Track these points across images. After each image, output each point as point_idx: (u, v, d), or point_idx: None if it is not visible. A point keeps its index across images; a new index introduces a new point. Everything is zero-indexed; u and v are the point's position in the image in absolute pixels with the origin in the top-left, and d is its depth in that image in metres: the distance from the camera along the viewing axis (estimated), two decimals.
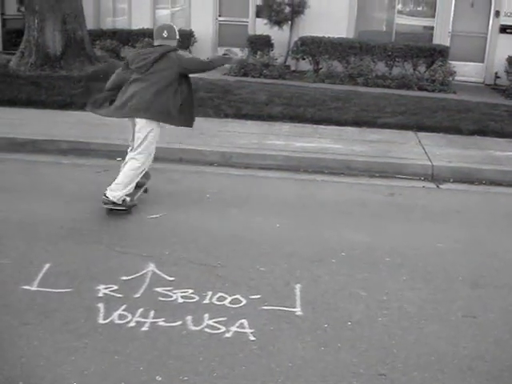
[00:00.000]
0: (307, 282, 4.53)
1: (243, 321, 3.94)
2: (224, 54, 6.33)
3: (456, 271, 4.91)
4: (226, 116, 9.57)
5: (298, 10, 14.99)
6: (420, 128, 9.38)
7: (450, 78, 14.02)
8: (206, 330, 3.83)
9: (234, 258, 4.91)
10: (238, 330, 3.85)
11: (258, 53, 14.85)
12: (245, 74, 13.96)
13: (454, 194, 7.15)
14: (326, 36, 14.72)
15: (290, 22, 15.23)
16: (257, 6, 16.03)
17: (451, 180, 7.51)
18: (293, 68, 15.44)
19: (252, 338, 3.76)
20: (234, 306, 4.13)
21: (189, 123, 6.00)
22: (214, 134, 8.53)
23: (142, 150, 5.73)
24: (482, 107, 11.19)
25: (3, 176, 6.94)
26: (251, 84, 12.31)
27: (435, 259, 5.14)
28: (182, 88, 5.79)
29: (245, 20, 16.87)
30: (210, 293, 4.27)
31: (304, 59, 14.98)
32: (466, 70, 15.42)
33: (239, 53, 6.31)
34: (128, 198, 5.77)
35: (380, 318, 4.10)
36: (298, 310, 4.13)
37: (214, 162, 7.69)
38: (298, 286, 4.46)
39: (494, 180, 7.60)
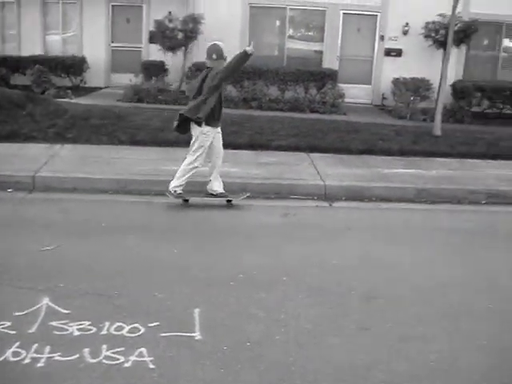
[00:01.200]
0: (206, 306, 4.56)
1: (142, 349, 3.90)
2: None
3: (350, 286, 5.09)
4: (121, 143, 9.46)
5: (191, 35, 15.14)
6: (313, 149, 9.68)
7: (340, 100, 14.62)
8: (105, 361, 3.76)
9: (132, 287, 4.85)
10: (137, 358, 3.80)
11: (153, 78, 14.85)
12: (139, 100, 13.89)
13: (346, 212, 7.42)
14: None
15: (183, 48, 15.35)
16: (150, 31, 16.09)
17: (343, 198, 7.80)
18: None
19: (152, 366, 3.73)
20: (132, 335, 4.08)
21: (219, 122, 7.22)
22: (108, 161, 8.42)
23: (191, 151, 7.09)
24: (371, 127, 11.70)
25: None
26: (146, 110, 12.28)
27: (330, 276, 5.31)
28: (212, 98, 6.90)
29: (138, 46, 16.89)
30: (107, 323, 4.20)
31: None
32: (354, 92, 16.10)
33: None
34: (178, 189, 7.11)
35: (278, 337, 4.18)
36: (197, 335, 4.13)
37: (109, 190, 7.59)
38: (196, 311, 4.46)
39: (383, 197, 7.96)
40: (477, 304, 4.91)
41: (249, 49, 6.80)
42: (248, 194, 7.47)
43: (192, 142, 7.12)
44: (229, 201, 7.37)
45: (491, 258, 6.06)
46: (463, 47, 16.07)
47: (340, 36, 16.48)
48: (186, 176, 7.15)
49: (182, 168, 7.18)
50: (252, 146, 9.60)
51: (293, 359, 3.90)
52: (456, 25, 13.81)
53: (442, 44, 14.66)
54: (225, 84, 7.24)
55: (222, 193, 7.38)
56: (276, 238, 6.30)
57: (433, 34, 15.33)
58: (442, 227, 7.06)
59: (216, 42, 7.23)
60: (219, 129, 7.28)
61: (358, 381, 3.71)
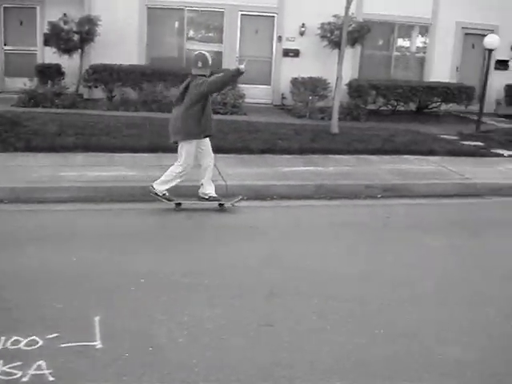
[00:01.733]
0: (107, 313, 4.49)
1: (41, 362, 3.79)
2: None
3: (253, 284, 5.17)
4: (16, 149, 9.10)
5: (87, 37, 14.79)
6: (214, 150, 9.66)
7: (241, 101, 14.73)
8: (1, 377, 3.63)
9: (29, 299, 4.71)
10: (36, 372, 3.70)
11: (49, 82, 14.42)
12: (35, 105, 13.41)
13: (248, 211, 7.49)
14: (118, 63, 14.71)
15: (79, 50, 14.99)
16: (44, 34, 15.56)
17: (245, 198, 7.86)
18: (86, 96, 15.19)
19: (51, 379, 3.64)
20: (29, 348, 3.96)
21: (208, 133, 7.34)
22: (2, 169, 8.10)
23: (181, 161, 7.20)
24: (271, 127, 11.89)
25: None
26: (42, 115, 11.87)
27: (233, 276, 5.36)
28: (196, 108, 7.05)
29: (33, 49, 16.30)
30: (3, 338, 4.05)
31: (97, 87, 14.82)
32: (255, 93, 16.27)
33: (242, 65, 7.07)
34: (167, 193, 7.26)
35: (181, 339, 4.18)
36: (97, 343, 4.07)
37: (4, 199, 7.30)
38: (97, 319, 4.39)
39: (283, 194, 8.12)
40: (373, 295, 5.11)
41: (242, 67, 6.93)
42: (241, 197, 7.58)
43: (179, 149, 7.26)
44: (221, 204, 7.43)
45: (385, 250, 6.33)
46: (358, 47, 16.59)
47: (239, 37, 16.61)
48: (175, 182, 7.26)
49: (168, 173, 7.25)
50: (152, 149, 9.51)
51: (196, 361, 3.91)
52: (350, 25, 14.26)
53: (337, 44, 15.04)
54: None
55: (214, 196, 7.44)
56: (179, 240, 6.30)
57: (328, 35, 15.72)
58: (340, 222, 7.29)
59: (201, 51, 7.44)
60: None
61: (260, 377, 3.77)
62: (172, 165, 7.32)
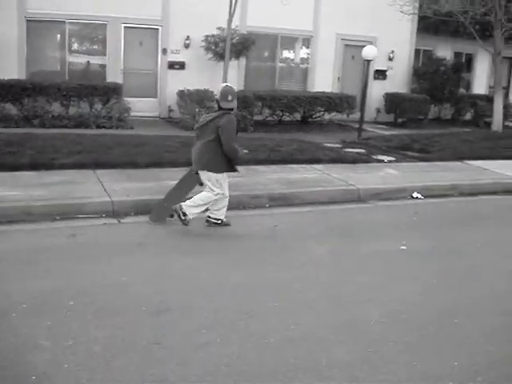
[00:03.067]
0: None
1: None
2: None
3: (141, 302, 5.08)
4: None
5: None
6: (98, 165, 9.48)
7: (126, 114, 14.55)
8: None
9: None
10: None
11: None
12: None
13: (136, 227, 7.37)
14: None
15: None
16: None
17: (132, 213, 7.74)
18: None
19: None
20: None
21: (232, 169, 7.36)
22: None
23: (208, 189, 7.30)
24: (157, 140, 11.80)
25: None
26: None
27: (120, 294, 5.27)
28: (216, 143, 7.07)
29: None
30: None
31: None
32: (141, 106, 16.12)
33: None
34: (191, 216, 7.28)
35: (66, 365, 4.04)
36: None
37: None
38: None
39: None
40: (260, 304, 5.19)
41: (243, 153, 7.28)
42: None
43: (205, 178, 7.30)
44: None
45: (272, 258, 6.47)
46: (243, 59, 16.85)
47: (123, 49, 16.43)
48: (204, 208, 7.37)
49: (202, 197, 7.30)
50: (34, 167, 9.14)
51: None
52: (233, 38, 14.48)
53: (222, 56, 15.23)
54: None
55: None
56: (62, 260, 6.07)
57: (213, 47, 15.88)
58: (228, 233, 7.36)
59: (228, 84, 7.51)
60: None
61: None
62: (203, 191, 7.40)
